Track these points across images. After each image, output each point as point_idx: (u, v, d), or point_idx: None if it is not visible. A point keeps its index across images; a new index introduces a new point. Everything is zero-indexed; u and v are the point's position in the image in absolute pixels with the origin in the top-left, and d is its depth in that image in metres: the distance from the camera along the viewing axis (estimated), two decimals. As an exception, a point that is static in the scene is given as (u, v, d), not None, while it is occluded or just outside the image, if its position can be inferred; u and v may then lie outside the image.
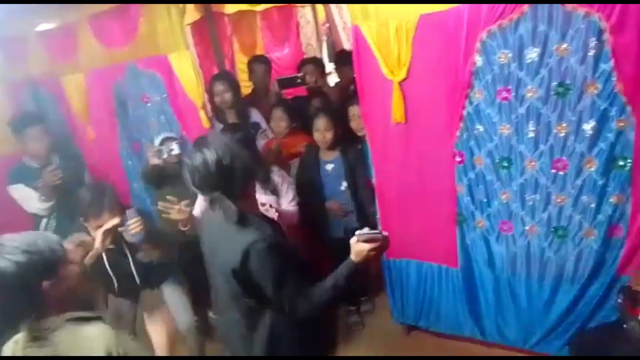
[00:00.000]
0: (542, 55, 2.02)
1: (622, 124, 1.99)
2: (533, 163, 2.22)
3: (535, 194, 2.28)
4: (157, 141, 3.14)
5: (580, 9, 1.89)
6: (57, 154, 3.23)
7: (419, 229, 2.65)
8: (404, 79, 2.34)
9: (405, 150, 2.51)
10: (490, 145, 2.30)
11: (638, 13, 1.82)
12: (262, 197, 2.46)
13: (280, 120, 3.32)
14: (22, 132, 3.07)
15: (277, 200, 2.59)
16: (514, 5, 1.99)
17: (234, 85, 3.29)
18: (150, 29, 3.12)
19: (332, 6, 4.74)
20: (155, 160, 2.98)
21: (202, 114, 3.17)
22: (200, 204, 2.48)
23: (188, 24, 3.16)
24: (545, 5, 1.94)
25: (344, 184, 2.95)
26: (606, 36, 1.89)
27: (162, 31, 3.08)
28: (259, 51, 4.65)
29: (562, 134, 2.11)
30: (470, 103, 2.26)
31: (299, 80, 3.52)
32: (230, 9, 4.27)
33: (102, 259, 2.36)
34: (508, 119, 2.20)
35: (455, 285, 2.66)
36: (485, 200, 2.43)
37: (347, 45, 4.58)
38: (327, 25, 4.89)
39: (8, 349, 1.21)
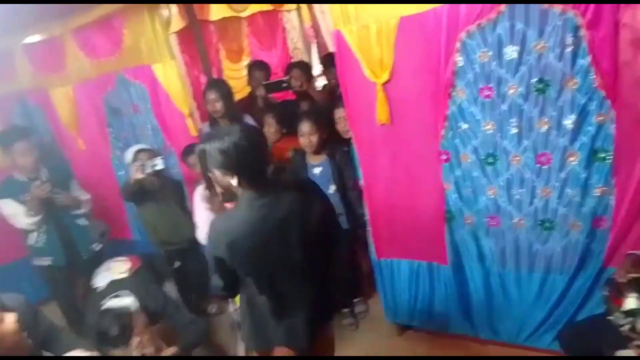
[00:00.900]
0: (521, 53, 2.05)
1: (601, 118, 2.02)
2: (518, 158, 2.26)
3: (521, 188, 2.31)
4: (129, 155, 3.16)
5: (556, 7, 1.92)
6: (45, 168, 3.23)
7: (408, 228, 2.67)
8: (388, 81, 2.36)
9: (391, 151, 2.54)
10: (475, 142, 2.33)
11: (613, 9, 1.85)
12: None
13: (269, 126, 3.34)
14: (10, 147, 3.07)
15: None
16: (491, 5, 2.02)
17: (226, 94, 3.27)
18: (134, 40, 3.14)
19: (317, 10, 4.75)
20: (139, 175, 3.01)
21: (189, 122, 3.19)
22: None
23: (173, 32, 3.18)
24: (522, 4, 1.97)
25: (332, 187, 2.97)
26: (583, 32, 1.92)
27: (146, 41, 3.10)
28: (246, 57, 4.67)
29: (545, 129, 2.14)
30: (454, 102, 2.29)
31: (285, 85, 3.54)
32: (216, 15, 4.30)
33: None
34: (491, 116, 2.23)
35: (447, 282, 2.69)
36: (472, 196, 2.45)
37: (332, 48, 4.60)
38: (313, 29, 4.90)
39: None
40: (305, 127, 2.91)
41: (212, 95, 3.22)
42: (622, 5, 1.83)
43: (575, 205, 2.21)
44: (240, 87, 4.22)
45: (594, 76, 1.96)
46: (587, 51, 1.94)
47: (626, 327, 1.85)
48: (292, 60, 4.63)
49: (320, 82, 4.46)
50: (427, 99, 2.34)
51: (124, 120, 3.58)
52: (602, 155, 2.09)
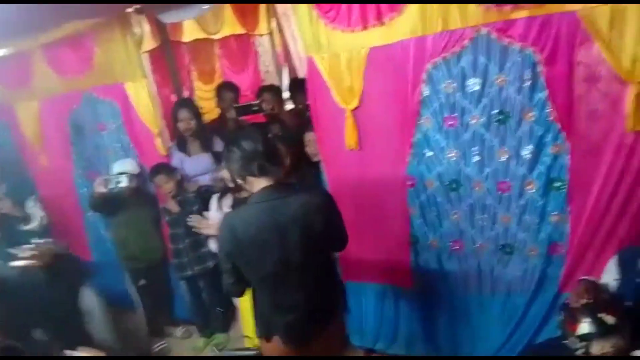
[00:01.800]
0: (483, 85, 2.16)
1: (557, 149, 2.14)
2: (480, 185, 2.35)
3: (483, 214, 2.40)
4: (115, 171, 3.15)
5: (516, 44, 2.05)
6: (4, 183, 3.16)
7: (374, 252, 2.72)
8: (357, 107, 2.44)
9: (359, 175, 2.60)
10: (439, 169, 2.41)
11: (568, 46, 1.99)
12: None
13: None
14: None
15: None
16: (456, 39, 2.13)
17: (196, 112, 3.32)
18: (106, 58, 3.13)
19: (288, 36, 4.86)
20: (101, 189, 2.99)
21: (158, 141, 3.17)
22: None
23: (145, 51, 3.19)
24: (484, 39, 2.09)
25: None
26: (540, 68, 2.06)
27: (118, 60, 3.10)
28: (218, 79, 4.69)
29: (505, 158, 2.24)
30: (420, 130, 2.38)
31: (256, 108, 3.57)
32: (188, 37, 4.33)
33: None
34: (455, 144, 2.33)
35: (411, 305, 2.73)
36: (437, 221, 2.53)
37: (302, 73, 4.69)
38: (284, 54, 4.98)
39: None
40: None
41: (185, 114, 3.23)
42: (577, 44, 1.97)
43: (534, 232, 2.32)
44: (211, 107, 4.23)
45: (550, 109, 2.09)
46: (544, 86, 2.07)
47: (580, 352, 1.92)
48: (264, 84, 4.67)
49: (290, 106, 4.52)
50: (395, 126, 2.42)
51: (88, 139, 3.53)
52: (558, 184, 2.20)
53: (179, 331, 3.60)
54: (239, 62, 4.83)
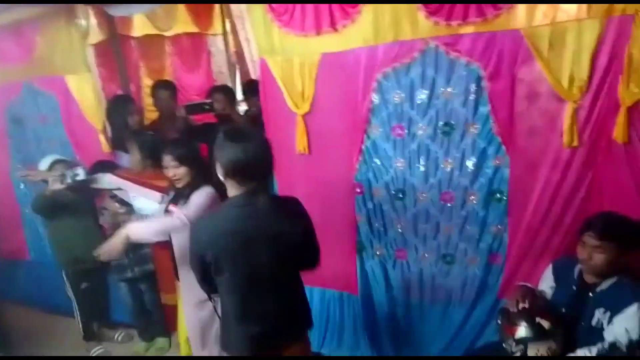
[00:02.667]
0: (430, 97, 2.22)
1: (498, 162, 2.22)
2: (424, 195, 2.40)
3: (426, 223, 2.45)
4: (45, 164, 2.96)
5: (462, 58, 2.11)
6: None
7: (321, 257, 2.71)
8: (308, 112, 2.45)
9: (309, 180, 2.60)
10: (386, 177, 2.45)
11: (510, 63, 2.07)
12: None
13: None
14: None
15: None
16: (406, 50, 2.18)
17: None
18: (48, 49, 2.99)
19: (242, 38, 4.81)
20: (57, 186, 2.78)
21: (102, 138, 3.06)
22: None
23: (92, 44, 3.07)
24: (433, 53, 2.15)
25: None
26: (484, 83, 2.13)
27: (61, 51, 2.96)
28: (167, 76, 4.57)
29: (449, 169, 2.30)
30: (369, 137, 2.41)
31: (207, 107, 3.50)
32: (139, 32, 4.20)
33: None
34: (402, 154, 2.37)
35: (356, 311, 2.75)
36: (382, 229, 2.56)
37: (255, 76, 4.65)
38: (236, 55, 4.93)
39: None
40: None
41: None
42: (518, 61, 2.05)
43: (474, 242, 2.39)
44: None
45: (493, 123, 2.16)
46: (487, 100, 2.14)
47: (518, 354, 1.99)
48: (216, 84, 4.60)
49: (242, 108, 4.46)
50: (345, 132, 2.44)
51: (28, 131, 3.35)
52: (498, 196, 2.28)
53: (118, 335, 3.46)
54: (191, 60, 4.73)
